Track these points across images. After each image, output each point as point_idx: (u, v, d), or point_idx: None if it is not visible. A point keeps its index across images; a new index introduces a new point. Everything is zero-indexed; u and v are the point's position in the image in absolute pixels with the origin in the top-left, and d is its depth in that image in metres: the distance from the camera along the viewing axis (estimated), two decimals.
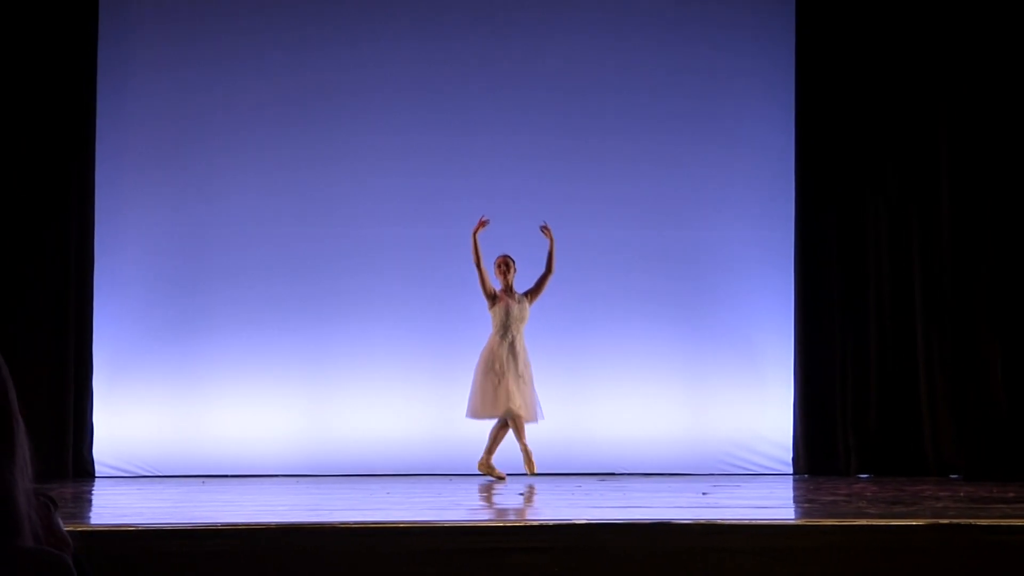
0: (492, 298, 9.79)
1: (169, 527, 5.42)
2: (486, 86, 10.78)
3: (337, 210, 10.66)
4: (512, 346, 9.74)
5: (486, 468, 9.67)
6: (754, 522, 5.61)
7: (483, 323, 9.93)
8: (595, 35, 10.81)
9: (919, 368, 10.25)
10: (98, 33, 10.45)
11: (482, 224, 9.67)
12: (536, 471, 9.45)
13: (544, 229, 9.83)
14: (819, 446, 10.51)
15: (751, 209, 10.78)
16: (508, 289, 9.85)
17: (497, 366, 9.67)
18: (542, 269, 9.81)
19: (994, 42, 10.11)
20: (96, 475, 10.28)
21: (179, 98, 10.66)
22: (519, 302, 9.82)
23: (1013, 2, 10.07)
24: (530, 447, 9.51)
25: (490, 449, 9.71)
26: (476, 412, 9.78)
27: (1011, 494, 7.67)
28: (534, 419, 9.68)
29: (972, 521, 5.54)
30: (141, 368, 10.48)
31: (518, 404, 9.59)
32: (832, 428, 10.52)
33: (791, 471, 10.56)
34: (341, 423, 10.56)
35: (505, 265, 9.87)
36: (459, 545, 5.22)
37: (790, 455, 10.60)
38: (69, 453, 10.09)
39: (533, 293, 9.87)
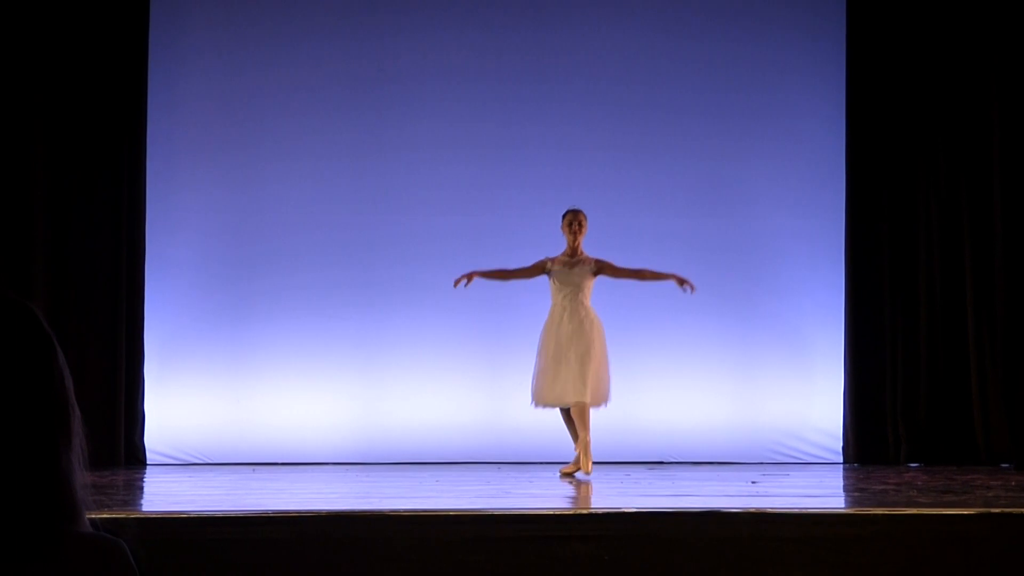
0: (542, 270, 8.95)
1: (220, 514, 5.46)
2: (537, 76, 10.77)
3: (389, 197, 10.68)
4: (566, 318, 8.81)
5: (582, 455, 8.55)
6: (803, 511, 5.59)
7: (532, 310, 9.94)
8: (648, 28, 10.80)
9: (970, 357, 10.20)
10: (149, 16, 10.50)
11: (467, 279, 8.97)
12: (591, 471, 8.51)
13: (684, 282, 8.97)
14: (869, 435, 10.47)
15: (802, 200, 10.75)
16: (573, 251, 8.92)
17: (553, 345, 8.77)
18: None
19: None
20: (147, 462, 10.35)
21: (230, 82, 10.71)
22: (578, 263, 8.86)
23: None
24: (590, 441, 8.56)
25: (574, 437, 8.72)
26: (538, 398, 8.91)
27: None
28: (597, 404, 8.77)
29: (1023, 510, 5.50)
30: (192, 355, 10.55)
31: (575, 393, 8.65)
32: (882, 417, 10.48)
33: (841, 460, 10.53)
34: (391, 411, 10.59)
35: (578, 223, 8.93)
36: (507, 533, 5.23)
37: (840, 444, 10.57)
38: (121, 440, 10.16)
39: (604, 268, 8.92)
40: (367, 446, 10.49)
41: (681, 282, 9.00)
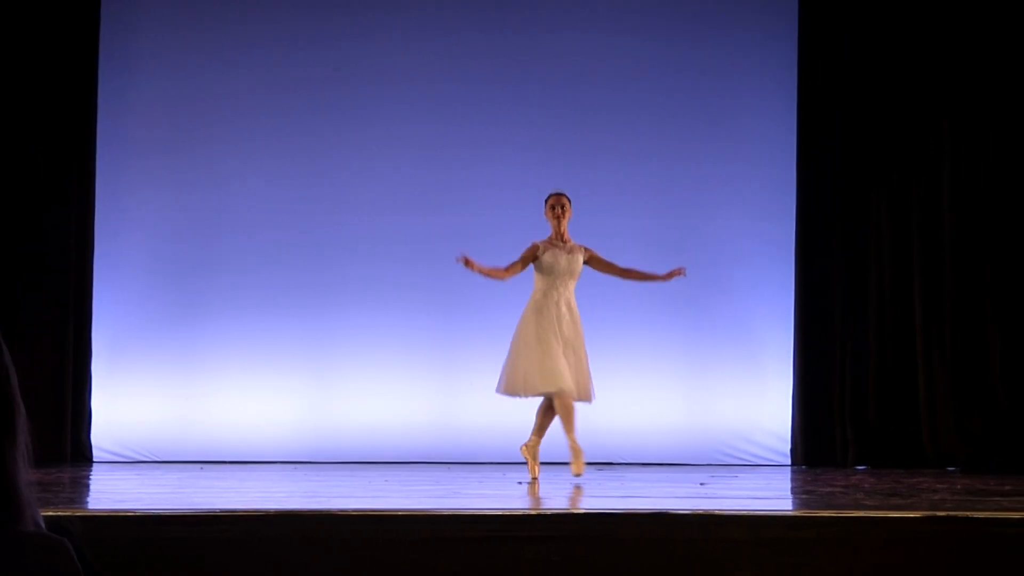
0: (534, 257, 8.45)
1: (167, 513, 5.43)
2: (490, 78, 10.78)
3: (338, 198, 10.66)
4: (559, 306, 8.40)
5: (531, 454, 8.42)
6: (751, 513, 5.61)
7: (481, 308, 9.93)
8: (600, 30, 10.82)
9: (918, 361, 10.26)
10: (100, 19, 10.45)
11: (467, 263, 8.33)
12: (582, 472, 8.26)
13: (673, 274, 8.69)
14: (817, 437, 10.53)
15: (752, 201, 10.79)
16: (560, 236, 8.54)
17: (541, 331, 8.31)
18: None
19: (997, 35, 10.10)
20: (94, 460, 10.30)
21: (180, 84, 10.67)
22: (571, 252, 8.47)
23: (1014, 1, 10.07)
24: (579, 443, 8.29)
25: (538, 431, 8.45)
26: (514, 387, 8.38)
27: (1008, 487, 7.67)
28: (588, 399, 8.43)
29: (969, 514, 5.54)
30: (140, 353, 10.49)
31: (568, 382, 8.26)
32: (830, 419, 10.54)
33: (789, 462, 10.58)
34: (340, 410, 10.57)
35: (560, 207, 8.55)
36: (457, 533, 5.23)
37: (788, 446, 10.62)
38: (67, 437, 10.10)
39: (593, 259, 8.57)
40: (316, 445, 10.46)
41: (670, 276, 8.71)
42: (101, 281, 10.43)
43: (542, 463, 8.48)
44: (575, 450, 8.27)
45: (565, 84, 10.78)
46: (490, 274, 8.47)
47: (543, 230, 9.78)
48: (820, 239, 10.60)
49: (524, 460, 8.56)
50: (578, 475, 8.24)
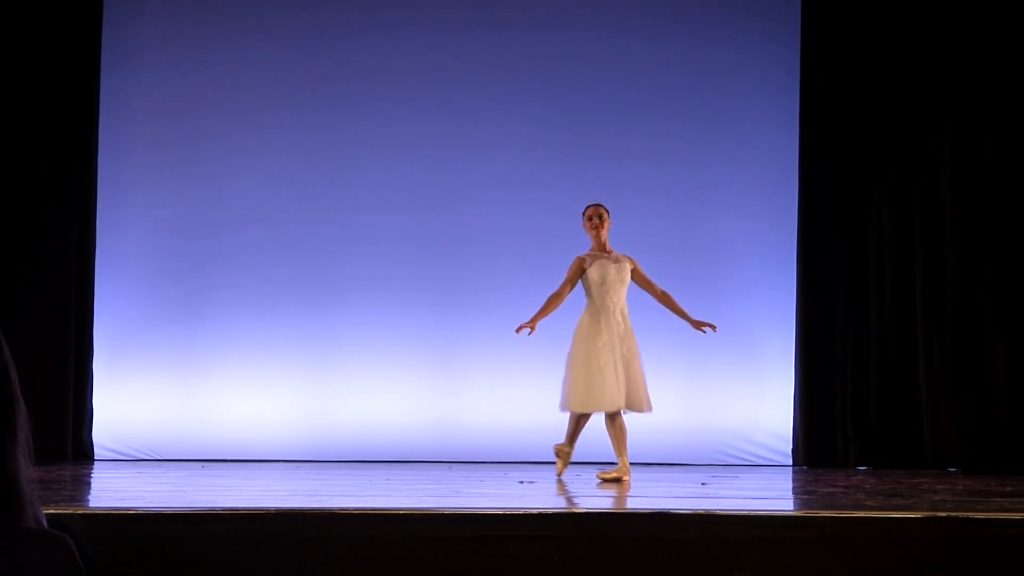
0: (581, 271, 8.30)
1: (168, 511, 5.43)
2: (490, 77, 10.79)
3: (340, 196, 10.66)
4: (614, 315, 8.27)
5: (562, 458, 8.46)
6: (752, 513, 5.61)
7: (486, 309, 9.92)
8: (603, 32, 10.84)
9: (919, 362, 10.27)
10: (102, 16, 10.45)
11: (531, 328, 8.27)
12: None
13: (703, 325, 8.62)
14: (818, 438, 10.53)
15: (754, 203, 10.79)
16: (601, 247, 8.38)
17: (592, 348, 8.20)
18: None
19: (998, 38, 10.10)
20: (95, 458, 10.30)
21: (182, 79, 10.67)
22: (617, 261, 8.33)
23: (1014, 2, 10.07)
24: (628, 463, 8.28)
25: (572, 436, 8.42)
26: (569, 405, 8.34)
27: (1008, 488, 7.67)
28: (641, 408, 8.36)
29: (969, 514, 5.54)
30: (141, 351, 10.50)
31: (616, 401, 8.20)
32: (831, 420, 10.54)
33: (790, 462, 10.58)
34: (342, 409, 10.57)
35: (599, 217, 8.39)
36: (458, 532, 5.23)
37: (789, 446, 10.62)
38: (68, 436, 10.11)
39: (637, 275, 8.46)
40: (318, 443, 10.47)
41: (700, 325, 8.63)
42: (102, 279, 10.44)
43: (542, 463, 8.47)
44: (622, 469, 8.25)
45: (565, 84, 10.78)
46: (547, 312, 8.32)
47: (544, 229, 9.80)
48: (821, 240, 10.61)
49: (554, 459, 8.57)
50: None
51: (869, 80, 10.52)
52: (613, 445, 8.37)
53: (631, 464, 8.38)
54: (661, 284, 8.74)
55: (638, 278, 8.54)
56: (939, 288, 10.19)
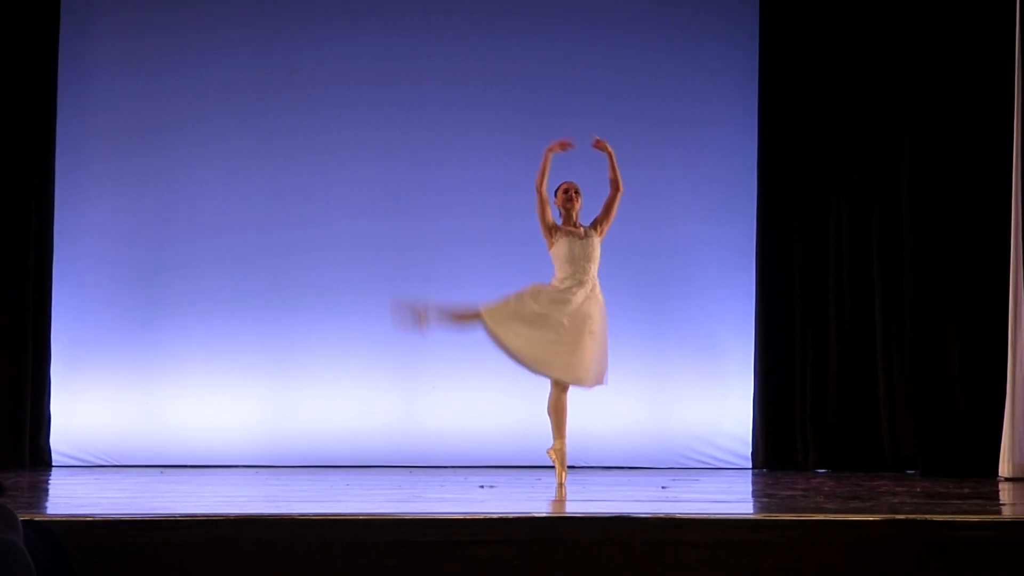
0: (551, 232, 8.19)
1: (127, 517, 5.40)
2: (453, 82, 10.79)
3: (299, 200, 10.64)
4: (576, 292, 8.14)
5: (558, 457, 8.24)
6: (712, 516, 5.63)
7: None
8: (564, 36, 10.83)
9: (878, 364, 10.32)
10: (59, 20, 10.40)
11: (561, 146, 8.23)
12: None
13: (598, 143, 8.34)
14: (778, 441, 10.56)
15: (714, 206, 10.81)
16: (573, 223, 8.27)
17: (566, 319, 8.07)
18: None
19: (956, 46, 10.20)
20: (53, 464, 10.24)
21: (141, 87, 10.63)
22: (584, 237, 8.19)
23: (968, 14, 10.16)
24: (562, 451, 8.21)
25: (558, 428, 8.22)
26: (530, 363, 8.18)
27: (966, 490, 7.72)
28: (602, 382, 8.23)
29: (928, 516, 5.57)
30: (99, 357, 10.45)
31: (594, 375, 8.14)
32: (791, 423, 10.57)
33: (750, 465, 10.61)
34: (301, 414, 10.55)
35: (571, 193, 8.27)
36: (418, 537, 5.22)
37: (749, 449, 10.65)
38: (26, 442, 10.06)
39: (601, 222, 8.29)
40: (277, 449, 10.43)
41: (595, 145, 8.35)
42: (60, 285, 10.38)
43: (514, 467, 8.44)
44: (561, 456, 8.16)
45: (528, 89, 10.78)
46: (543, 168, 8.20)
47: (505, 233, 9.79)
48: (781, 244, 10.64)
49: (552, 464, 8.36)
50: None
51: (829, 85, 10.57)
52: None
53: (579, 468, 8.28)
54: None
55: (607, 216, 8.30)
56: (897, 292, 10.25)
